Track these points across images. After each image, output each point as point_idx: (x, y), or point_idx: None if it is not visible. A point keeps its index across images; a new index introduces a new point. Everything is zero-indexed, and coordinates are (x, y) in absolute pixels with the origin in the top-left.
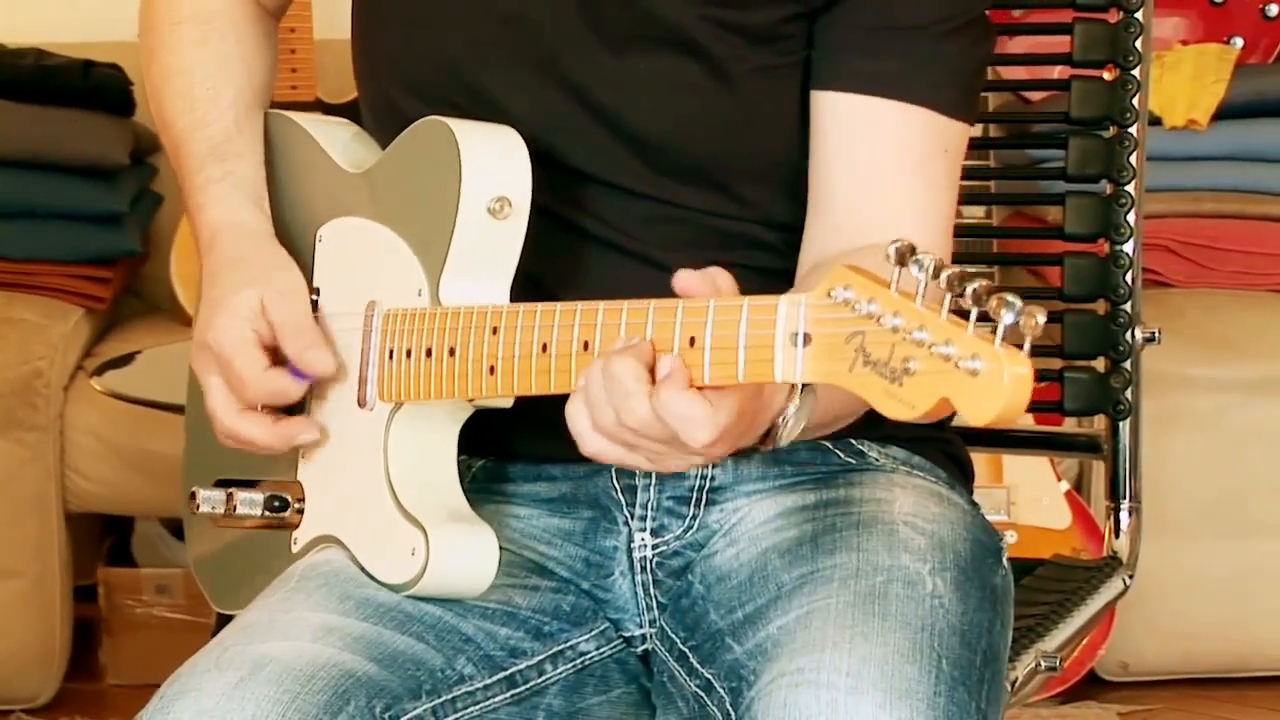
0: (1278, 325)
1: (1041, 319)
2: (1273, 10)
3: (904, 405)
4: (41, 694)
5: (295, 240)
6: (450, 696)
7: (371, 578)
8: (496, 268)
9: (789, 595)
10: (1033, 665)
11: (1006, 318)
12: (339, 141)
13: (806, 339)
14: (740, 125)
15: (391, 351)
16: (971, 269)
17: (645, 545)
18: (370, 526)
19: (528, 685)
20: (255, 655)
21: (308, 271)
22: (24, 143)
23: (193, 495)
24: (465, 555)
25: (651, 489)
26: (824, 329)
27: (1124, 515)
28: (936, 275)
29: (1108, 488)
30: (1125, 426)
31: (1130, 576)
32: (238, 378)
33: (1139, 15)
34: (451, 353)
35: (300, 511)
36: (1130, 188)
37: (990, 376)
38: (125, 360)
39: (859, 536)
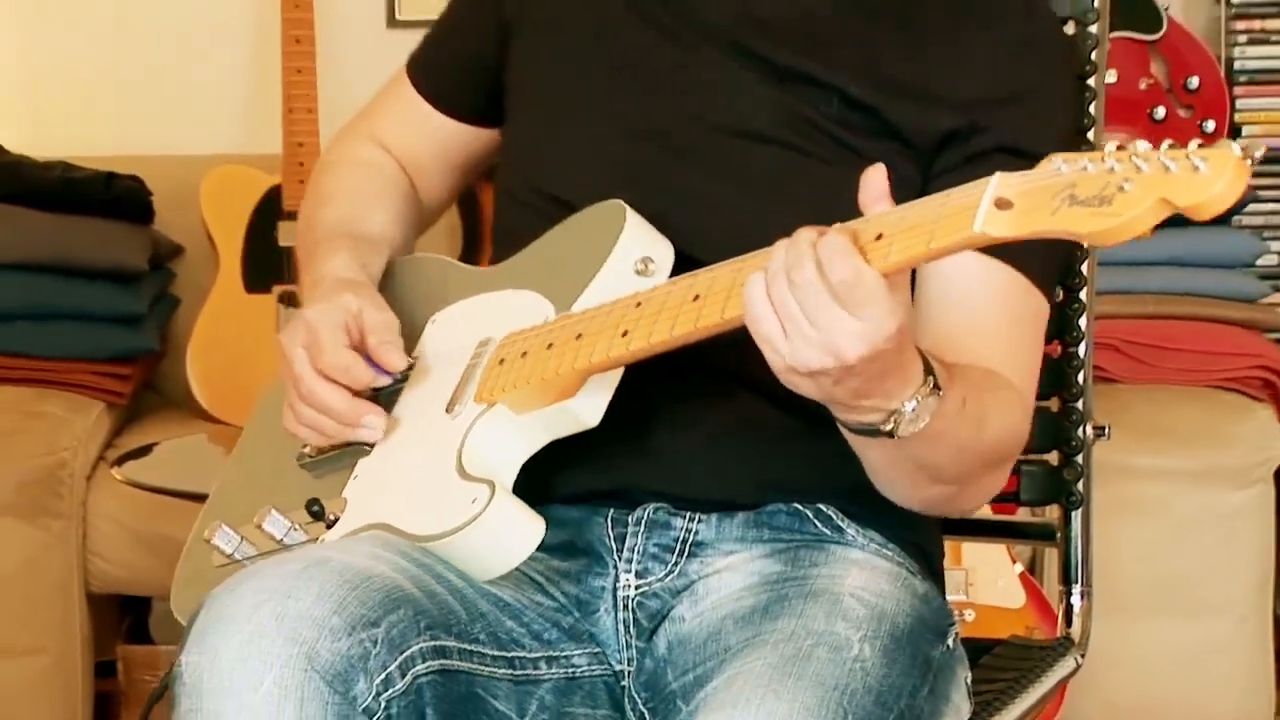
0: (1217, 418)
1: (1260, 151)
2: (1210, 126)
3: (1110, 218)
4: None
5: (407, 332)
6: (469, 648)
7: (413, 538)
8: None
9: (731, 658)
10: None
11: (1232, 146)
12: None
13: (1009, 204)
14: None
15: (504, 359)
16: None
17: (629, 585)
18: (424, 496)
19: (524, 673)
20: (316, 555)
21: (410, 348)
22: (51, 249)
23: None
24: (518, 519)
25: (640, 535)
26: (1031, 189)
27: (1076, 599)
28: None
29: (1061, 573)
30: (1077, 516)
31: (1082, 655)
32: (319, 345)
33: (1090, 135)
34: (578, 337)
35: (331, 524)
36: (1083, 294)
37: (1216, 163)
38: (144, 451)
39: (804, 604)
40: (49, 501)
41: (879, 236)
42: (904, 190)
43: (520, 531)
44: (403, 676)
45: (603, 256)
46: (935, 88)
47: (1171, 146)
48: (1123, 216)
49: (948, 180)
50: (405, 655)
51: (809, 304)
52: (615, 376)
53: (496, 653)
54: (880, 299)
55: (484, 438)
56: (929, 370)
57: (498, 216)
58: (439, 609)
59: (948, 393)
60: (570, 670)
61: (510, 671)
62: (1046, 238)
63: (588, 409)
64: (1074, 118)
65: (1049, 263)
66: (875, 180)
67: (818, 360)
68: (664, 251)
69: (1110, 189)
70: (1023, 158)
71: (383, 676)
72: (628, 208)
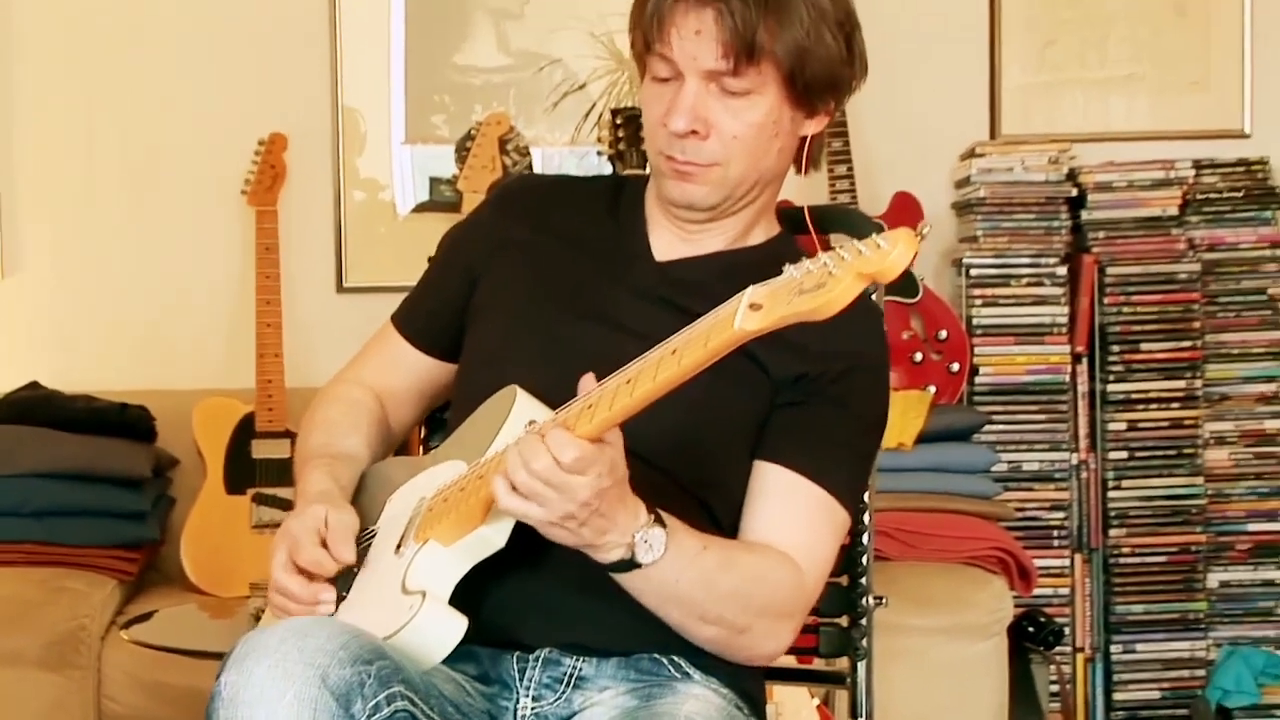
0: (963, 587)
1: (928, 229)
2: (955, 367)
3: (825, 294)
4: None
5: (372, 513)
6: (429, 712)
7: None
8: None
9: None
10: None
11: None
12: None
13: (759, 305)
14: (710, 455)
15: (433, 508)
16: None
17: (526, 708)
18: (377, 613)
19: None
20: (326, 619)
21: (371, 522)
22: (76, 462)
23: None
24: (445, 621)
25: (537, 669)
26: (774, 291)
27: None
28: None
29: (850, 709)
30: (862, 665)
31: None
32: (299, 546)
33: None
34: (480, 478)
35: None
36: (865, 496)
37: (892, 239)
38: (146, 617)
39: None
40: (71, 657)
41: (674, 350)
42: (757, 407)
43: (448, 626)
44: (389, 705)
45: (500, 423)
46: (791, 337)
47: (866, 240)
48: (834, 291)
49: (784, 412)
50: (389, 691)
51: (550, 479)
52: None
53: None
54: (595, 459)
55: (421, 567)
56: (651, 511)
57: (452, 421)
58: (408, 675)
59: (680, 532)
60: None
61: None
62: (789, 324)
63: (497, 531)
64: (886, 375)
65: (855, 482)
66: (585, 379)
67: (561, 509)
68: (547, 414)
69: (824, 276)
70: (846, 408)
71: (374, 702)
72: (519, 388)
